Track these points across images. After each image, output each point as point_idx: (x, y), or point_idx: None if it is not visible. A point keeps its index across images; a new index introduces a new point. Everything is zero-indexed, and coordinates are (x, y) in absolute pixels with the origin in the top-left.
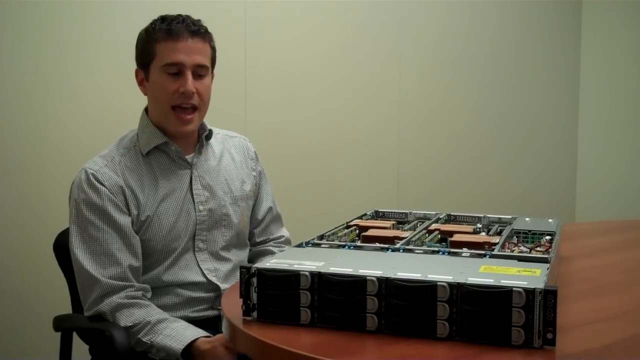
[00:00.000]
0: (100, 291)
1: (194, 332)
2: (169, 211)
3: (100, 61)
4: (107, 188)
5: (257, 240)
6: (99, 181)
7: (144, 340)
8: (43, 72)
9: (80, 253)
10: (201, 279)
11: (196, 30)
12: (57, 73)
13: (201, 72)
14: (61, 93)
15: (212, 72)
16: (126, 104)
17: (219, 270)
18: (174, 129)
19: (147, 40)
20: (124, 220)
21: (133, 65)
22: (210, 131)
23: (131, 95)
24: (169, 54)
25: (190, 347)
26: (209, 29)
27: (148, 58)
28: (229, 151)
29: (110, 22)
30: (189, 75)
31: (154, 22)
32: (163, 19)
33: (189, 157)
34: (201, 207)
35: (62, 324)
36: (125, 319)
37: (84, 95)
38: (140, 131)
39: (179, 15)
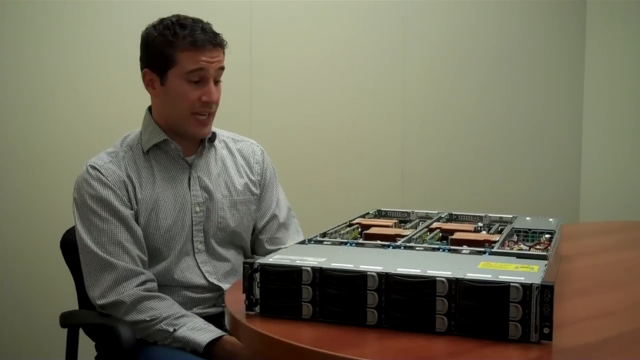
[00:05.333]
0: (117, 275)
1: (219, 330)
2: (167, 210)
3: (104, 60)
4: (110, 182)
5: (269, 249)
6: (103, 175)
7: (164, 328)
8: (45, 71)
9: (89, 242)
10: (202, 281)
11: (218, 43)
12: (60, 72)
13: (219, 76)
14: (64, 92)
15: None
16: (130, 103)
17: (218, 271)
18: (192, 133)
19: (166, 45)
20: (128, 212)
21: (137, 65)
22: (214, 134)
23: (135, 94)
24: (192, 64)
25: (215, 343)
26: (214, 30)
27: (167, 64)
28: (232, 154)
29: (113, 21)
30: (212, 86)
31: (170, 27)
32: (181, 24)
33: (190, 158)
34: (197, 209)
35: (69, 320)
36: (148, 311)
37: (87, 94)
38: (144, 129)
39: (195, 22)
